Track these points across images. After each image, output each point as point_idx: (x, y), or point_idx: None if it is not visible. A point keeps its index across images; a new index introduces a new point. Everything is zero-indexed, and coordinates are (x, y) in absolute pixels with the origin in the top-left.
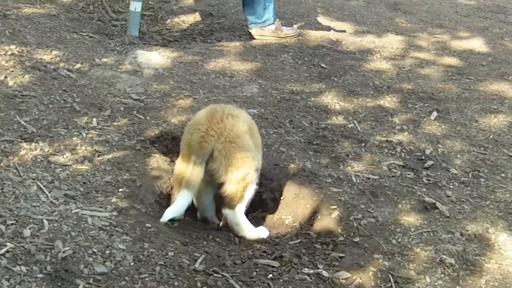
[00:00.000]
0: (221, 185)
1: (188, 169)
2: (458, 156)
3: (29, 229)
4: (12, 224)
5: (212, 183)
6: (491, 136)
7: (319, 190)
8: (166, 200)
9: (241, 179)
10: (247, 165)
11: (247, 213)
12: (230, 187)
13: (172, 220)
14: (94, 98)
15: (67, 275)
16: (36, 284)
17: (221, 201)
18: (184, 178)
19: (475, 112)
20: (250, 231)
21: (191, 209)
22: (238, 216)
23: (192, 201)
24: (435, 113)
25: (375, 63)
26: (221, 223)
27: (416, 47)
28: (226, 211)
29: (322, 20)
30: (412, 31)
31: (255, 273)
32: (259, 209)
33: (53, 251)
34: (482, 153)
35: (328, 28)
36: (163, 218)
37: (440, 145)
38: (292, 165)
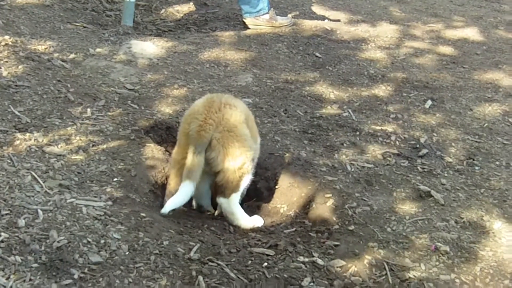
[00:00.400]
0: (217, 173)
1: (188, 159)
2: (453, 144)
3: (24, 219)
4: (6, 214)
5: (208, 171)
6: (486, 125)
7: (314, 179)
8: (161, 189)
9: (237, 168)
10: (244, 155)
11: (242, 202)
12: (226, 176)
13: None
14: (88, 88)
15: (62, 265)
16: (31, 274)
17: (216, 190)
18: (185, 168)
19: (470, 101)
20: (245, 220)
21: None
22: (232, 204)
23: None
24: (429, 102)
25: (370, 52)
26: (216, 212)
27: (411, 36)
28: (220, 200)
29: (317, 9)
30: (407, 20)
31: (250, 261)
32: (254, 198)
33: (47, 240)
34: (476, 141)
35: (323, 18)
36: (164, 210)
37: (434, 134)
38: (287, 154)
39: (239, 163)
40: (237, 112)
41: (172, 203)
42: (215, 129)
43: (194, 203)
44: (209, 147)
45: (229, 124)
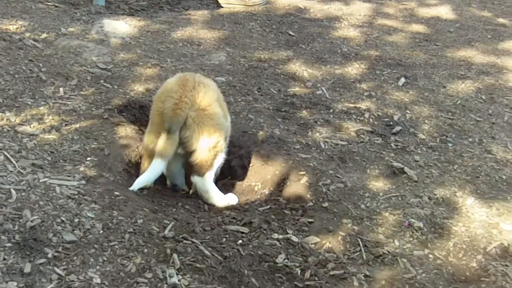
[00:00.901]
0: (191, 153)
1: (161, 137)
2: (426, 121)
3: None
4: None
5: (182, 150)
6: (459, 102)
7: (288, 157)
8: (134, 168)
9: (212, 147)
10: (217, 133)
11: (216, 181)
12: (201, 155)
13: (141, 189)
14: (60, 68)
15: (36, 244)
16: (5, 253)
17: (190, 169)
18: (158, 147)
19: (443, 78)
20: (219, 198)
21: (160, 177)
22: (207, 183)
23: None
24: (403, 79)
25: (343, 31)
26: (191, 191)
27: (384, 14)
28: (195, 178)
29: None
30: None
31: (224, 239)
32: (229, 176)
33: (21, 220)
34: (449, 118)
35: None
36: (133, 187)
37: (408, 111)
38: (261, 132)
39: (213, 142)
40: (210, 91)
41: (141, 180)
42: (190, 107)
43: (168, 182)
44: (184, 126)
45: (204, 103)
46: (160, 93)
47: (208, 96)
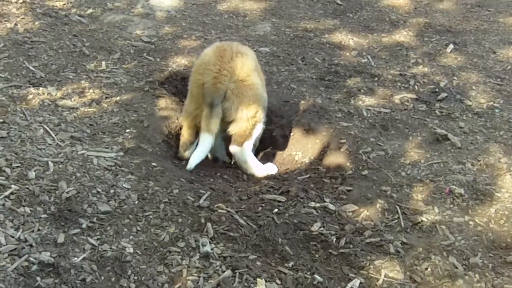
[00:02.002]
0: (230, 123)
1: (205, 112)
2: (473, 87)
3: (34, 171)
4: (17, 166)
5: (221, 122)
6: (509, 67)
7: (329, 125)
8: (174, 139)
9: (251, 117)
10: (256, 103)
11: (257, 151)
12: (240, 125)
13: (181, 159)
14: (104, 42)
15: (71, 215)
16: (40, 224)
17: (229, 139)
18: (203, 122)
19: (493, 44)
20: (258, 168)
21: None
22: (245, 153)
23: None
24: (451, 46)
25: None
26: (232, 161)
27: None
28: (233, 148)
29: None
30: None
31: (260, 208)
32: (270, 146)
33: (57, 191)
34: (498, 84)
35: None
36: (189, 166)
37: (455, 77)
38: (303, 102)
39: (252, 112)
40: (249, 61)
41: (195, 158)
42: (230, 79)
43: (209, 155)
44: (224, 97)
45: (242, 74)
46: (198, 65)
47: (247, 66)
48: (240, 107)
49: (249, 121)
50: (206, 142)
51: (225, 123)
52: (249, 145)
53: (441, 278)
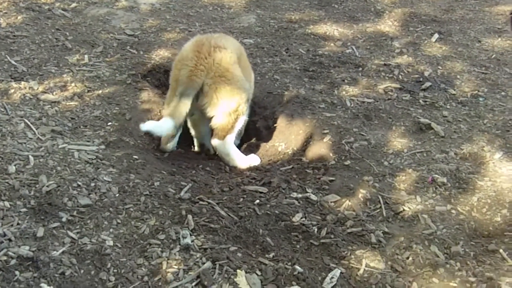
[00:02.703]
0: (211, 118)
1: (174, 100)
2: (458, 76)
3: (15, 165)
4: None
5: (203, 116)
6: (494, 56)
7: (312, 116)
8: None
9: (232, 111)
10: (237, 97)
11: (241, 142)
12: (221, 119)
13: (163, 152)
14: (87, 36)
15: (51, 208)
16: (19, 218)
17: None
18: (170, 106)
19: (479, 33)
20: (240, 160)
21: (185, 141)
22: (227, 146)
23: (190, 132)
24: (436, 35)
25: None
26: (216, 152)
27: None
28: (215, 142)
29: None
30: None
31: (242, 199)
32: (254, 137)
33: (37, 185)
34: (483, 73)
35: None
36: (142, 126)
37: (440, 67)
38: (286, 92)
39: (233, 106)
40: (227, 54)
41: (150, 125)
42: (206, 75)
43: (195, 143)
44: (202, 93)
45: (220, 69)
46: (177, 60)
47: (225, 60)
48: (219, 101)
49: (230, 116)
50: (165, 124)
51: (207, 117)
52: (231, 138)
53: (422, 267)
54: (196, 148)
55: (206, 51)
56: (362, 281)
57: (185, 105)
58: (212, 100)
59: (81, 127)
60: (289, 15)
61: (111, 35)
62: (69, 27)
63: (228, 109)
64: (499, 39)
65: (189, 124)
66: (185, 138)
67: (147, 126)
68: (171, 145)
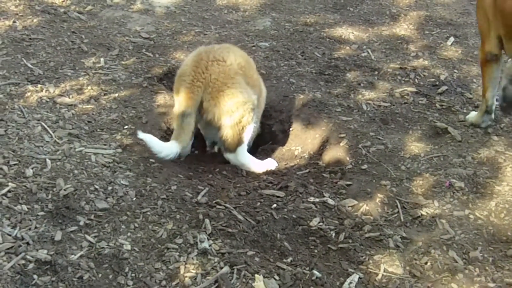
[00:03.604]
0: (219, 128)
1: (177, 122)
2: (474, 80)
3: (32, 168)
4: (14, 164)
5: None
6: (509, 60)
7: (328, 120)
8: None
9: (236, 123)
10: (240, 109)
11: (257, 146)
12: (226, 133)
13: (178, 156)
14: (103, 39)
15: (68, 212)
16: (37, 222)
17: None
18: (175, 130)
19: None
20: (257, 166)
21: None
22: (239, 157)
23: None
24: (452, 39)
25: None
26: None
27: None
28: (228, 155)
29: None
30: None
31: (259, 203)
32: (269, 141)
33: (54, 189)
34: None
35: None
36: (140, 134)
37: (456, 70)
38: (302, 96)
39: (236, 118)
40: (226, 68)
41: (151, 139)
42: (204, 90)
43: (207, 142)
44: (203, 109)
45: (218, 84)
46: (178, 74)
47: (224, 73)
48: (222, 116)
49: (235, 128)
50: (171, 147)
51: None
52: (242, 149)
53: (441, 272)
54: (208, 148)
55: (203, 66)
56: (380, 286)
57: (189, 125)
58: (214, 115)
59: (98, 130)
60: (304, 18)
61: (127, 38)
62: (85, 30)
63: (231, 122)
64: None
65: (199, 125)
66: (200, 138)
67: (145, 136)
68: (185, 152)
